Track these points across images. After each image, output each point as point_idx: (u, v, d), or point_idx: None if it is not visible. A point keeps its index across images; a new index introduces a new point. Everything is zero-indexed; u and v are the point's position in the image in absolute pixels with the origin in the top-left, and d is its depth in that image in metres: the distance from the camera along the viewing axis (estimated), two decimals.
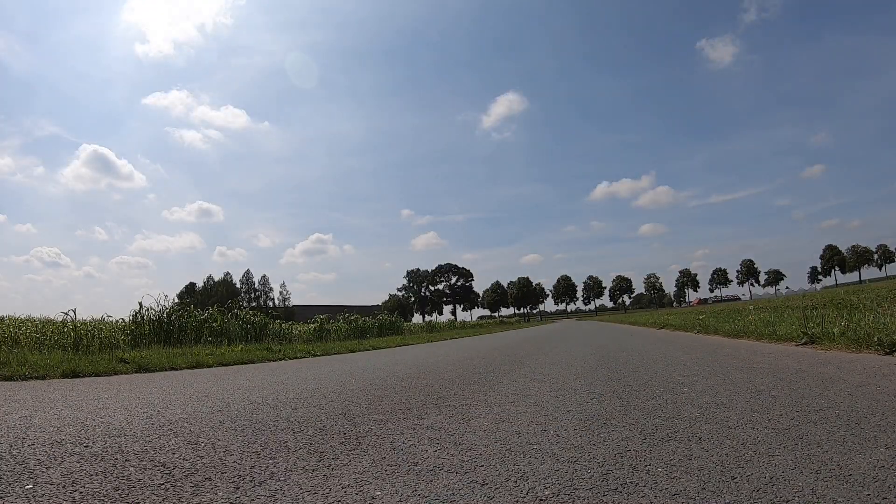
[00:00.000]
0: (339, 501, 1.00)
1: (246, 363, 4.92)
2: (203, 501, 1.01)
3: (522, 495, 0.97)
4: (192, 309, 8.29)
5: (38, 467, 1.25)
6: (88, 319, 7.41)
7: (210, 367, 4.47)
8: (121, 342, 6.35)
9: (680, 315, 14.66)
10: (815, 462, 1.07)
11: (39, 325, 7.16)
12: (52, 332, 6.18)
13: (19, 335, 6.13)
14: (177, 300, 9.66)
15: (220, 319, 8.47)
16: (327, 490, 1.06)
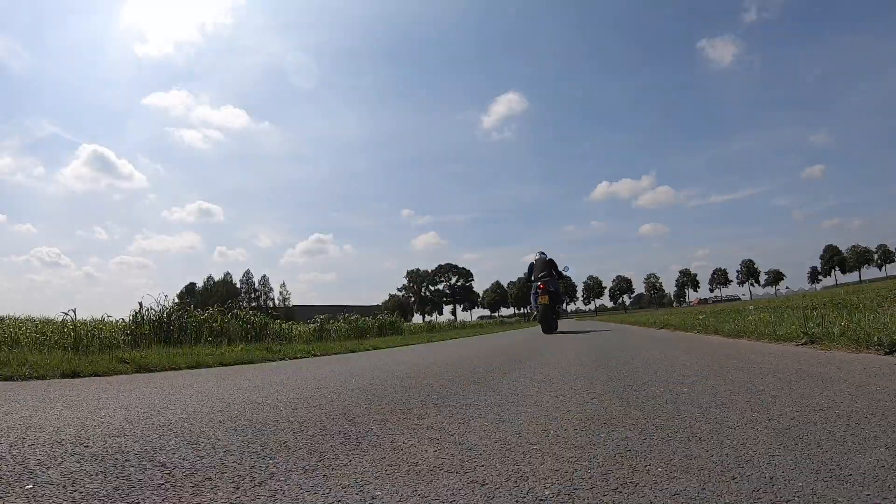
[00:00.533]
0: (340, 501, 1.00)
1: (246, 363, 4.91)
2: (203, 501, 1.01)
3: (522, 495, 0.97)
4: (192, 309, 8.28)
5: (37, 467, 1.25)
6: (88, 319, 7.40)
7: (210, 367, 4.47)
8: (121, 342, 6.35)
9: (680, 315, 14.65)
10: (815, 462, 1.07)
11: (39, 325, 7.18)
12: (52, 332, 6.18)
13: (19, 335, 6.14)
14: (177, 300, 9.65)
15: (220, 319, 8.47)
16: (327, 490, 1.06)
